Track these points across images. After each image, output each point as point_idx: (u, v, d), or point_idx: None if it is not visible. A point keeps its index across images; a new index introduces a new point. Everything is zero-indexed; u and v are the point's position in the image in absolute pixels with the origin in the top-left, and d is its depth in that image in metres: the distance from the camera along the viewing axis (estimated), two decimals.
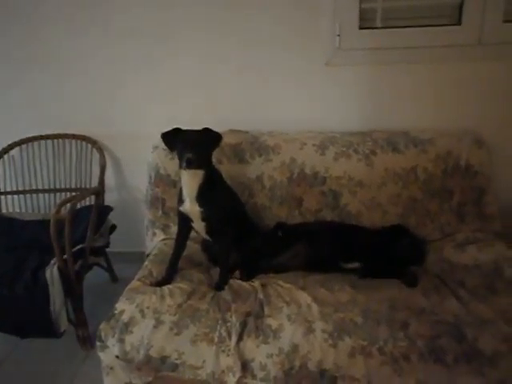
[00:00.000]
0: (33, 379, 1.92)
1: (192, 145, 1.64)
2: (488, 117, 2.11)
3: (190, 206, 1.73)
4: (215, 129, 2.15)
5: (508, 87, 2.06)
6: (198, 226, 1.79)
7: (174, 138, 1.69)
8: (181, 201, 1.77)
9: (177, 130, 1.71)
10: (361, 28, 2.07)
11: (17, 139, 2.38)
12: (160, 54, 2.22)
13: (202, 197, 1.71)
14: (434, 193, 1.97)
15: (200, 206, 1.72)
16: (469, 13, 1.98)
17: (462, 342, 1.40)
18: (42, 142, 2.40)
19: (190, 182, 1.71)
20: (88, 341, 2.03)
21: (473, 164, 1.95)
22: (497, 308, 1.53)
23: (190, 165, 1.60)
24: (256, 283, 1.73)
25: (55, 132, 2.38)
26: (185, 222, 1.81)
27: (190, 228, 1.83)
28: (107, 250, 2.39)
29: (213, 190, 1.72)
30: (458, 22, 2.02)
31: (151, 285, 1.73)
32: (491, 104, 2.09)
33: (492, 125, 2.09)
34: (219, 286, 1.72)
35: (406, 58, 2.07)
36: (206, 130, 1.73)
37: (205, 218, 1.74)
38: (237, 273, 1.81)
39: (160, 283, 1.73)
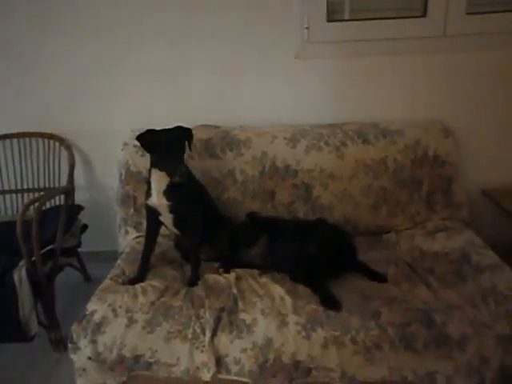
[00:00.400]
0: None
1: (176, 152, 1.65)
2: (454, 107, 2.15)
3: (158, 200, 1.73)
4: (186, 124, 2.14)
5: (472, 77, 2.11)
6: (166, 218, 1.78)
7: (151, 141, 1.67)
8: (148, 194, 1.76)
9: (151, 132, 1.69)
10: (329, 21, 2.08)
11: None
12: (129, 51, 2.17)
13: (171, 191, 1.71)
14: (403, 183, 2.01)
15: (168, 199, 1.72)
16: (433, 5, 2.02)
17: (432, 327, 1.43)
18: (7, 141, 2.32)
19: (161, 178, 1.70)
20: (61, 343, 1.98)
21: (440, 153, 2.00)
22: (464, 293, 1.57)
23: (182, 177, 1.61)
24: (231, 277, 1.73)
25: (20, 131, 2.31)
26: (153, 215, 1.79)
27: (160, 223, 1.82)
28: (80, 249, 2.34)
29: (181, 185, 1.71)
30: (424, 14, 2.05)
31: (123, 283, 1.71)
32: (457, 94, 2.14)
33: (458, 114, 2.14)
34: (192, 282, 1.71)
35: (374, 50, 2.09)
36: (180, 129, 1.73)
37: (173, 210, 1.74)
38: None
39: (132, 281, 1.71)
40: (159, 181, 1.71)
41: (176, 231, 1.83)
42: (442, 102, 2.14)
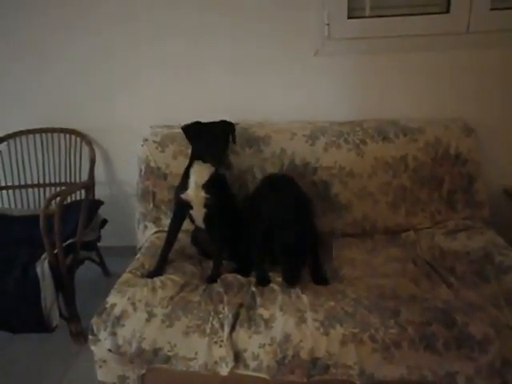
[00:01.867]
0: (26, 374, 1.92)
1: (222, 143, 1.72)
2: (476, 104, 2.11)
3: (195, 193, 1.74)
4: (205, 121, 2.15)
5: (495, 75, 2.07)
6: (198, 212, 1.79)
7: (197, 131, 1.73)
8: (184, 188, 1.76)
9: (197, 123, 1.75)
10: (350, 17, 2.06)
11: (4, 134, 2.34)
12: (148, 49, 2.19)
13: (210, 184, 1.74)
14: (424, 181, 1.98)
15: (206, 192, 1.73)
16: (457, 1, 1.99)
17: (452, 328, 1.41)
18: (30, 136, 2.37)
19: (203, 171, 1.74)
20: (81, 335, 2.02)
21: (462, 151, 1.97)
22: (486, 294, 1.55)
23: (227, 167, 1.72)
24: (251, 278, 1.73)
25: (43, 126, 2.35)
26: (183, 209, 1.81)
27: (184, 217, 1.84)
28: (99, 244, 2.38)
29: (218, 178, 1.77)
30: (447, 10, 2.02)
31: (143, 276, 1.72)
32: (480, 92, 2.10)
33: (480, 112, 2.10)
34: (211, 279, 1.72)
35: (395, 47, 2.07)
36: (224, 122, 1.79)
37: (208, 204, 1.75)
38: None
39: (151, 274, 1.73)
40: (201, 173, 1.73)
41: (203, 226, 1.84)
42: (465, 100, 2.11)
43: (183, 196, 1.77)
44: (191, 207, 1.78)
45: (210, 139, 1.69)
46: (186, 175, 1.77)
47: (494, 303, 1.49)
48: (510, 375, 1.39)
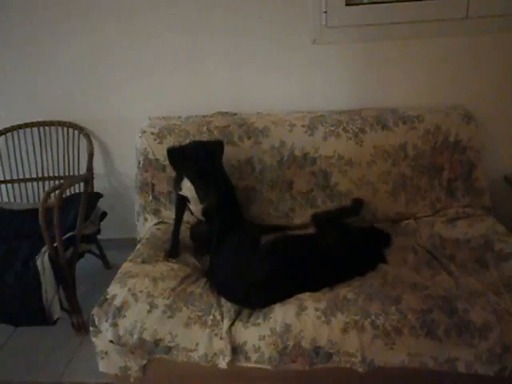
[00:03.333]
0: (29, 366, 1.93)
1: (207, 175, 1.64)
2: (476, 91, 2.09)
3: (191, 194, 1.74)
4: (203, 112, 2.14)
5: (495, 61, 2.04)
6: (196, 207, 1.81)
7: (182, 160, 1.67)
8: (179, 187, 1.77)
9: (180, 150, 1.71)
10: (348, 4, 2.03)
11: (2, 128, 2.33)
12: (146, 38, 2.16)
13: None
14: (423, 169, 1.97)
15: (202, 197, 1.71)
16: None
17: (453, 314, 1.42)
18: (28, 130, 2.35)
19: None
20: (83, 327, 2.04)
21: (462, 139, 1.95)
22: (486, 281, 1.55)
23: (211, 205, 1.68)
24: None
25: (40, 119, 2.34)
26: (183, 202, 1.84)
27: (186, 206, 1.87)
28: (99, 237, 2.38)
29: (213, 182, 1.72)
30: None
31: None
32: (479, 78, 2.08)
33: (480, 99, 2.08)
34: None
35: (394, 34, 2.04)
36: (210, 144, 1.76)
37: (203, 202, 1.74)
38: None
39: (168, 254, 1.78)
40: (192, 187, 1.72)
41: (202, 218, 1.86)
42: (464, 87, 2.09)
43: (180, 193, 1.78)
44: (189, 201, 1.80)
45: (196, 172, 1.65)
46: (180, 175, 1.76)
47: (494, 290, 1.50)
48: (510, 361, 1.39)
